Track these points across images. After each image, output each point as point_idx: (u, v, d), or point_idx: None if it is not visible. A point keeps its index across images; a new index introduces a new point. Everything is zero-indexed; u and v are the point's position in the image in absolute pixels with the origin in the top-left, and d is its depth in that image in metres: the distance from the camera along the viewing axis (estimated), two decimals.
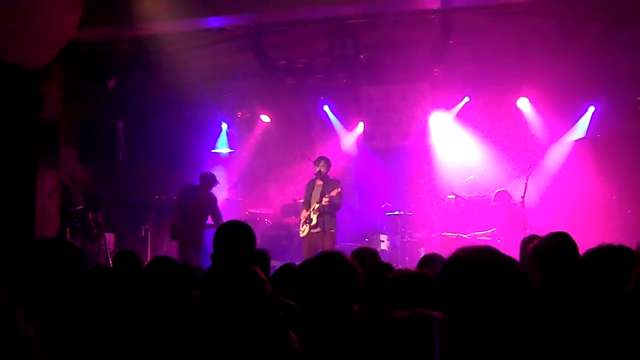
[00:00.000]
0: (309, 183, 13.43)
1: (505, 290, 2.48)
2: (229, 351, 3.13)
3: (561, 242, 4.98)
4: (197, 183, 14.12)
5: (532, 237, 6.39)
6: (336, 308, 3.78)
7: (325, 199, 12.68)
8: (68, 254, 4.12)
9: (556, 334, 3.20)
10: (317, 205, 12.88)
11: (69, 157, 13.23)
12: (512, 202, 13.61)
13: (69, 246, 4.19)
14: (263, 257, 6.79)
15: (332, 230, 12.97)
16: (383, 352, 2.16)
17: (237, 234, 4.94)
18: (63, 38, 10.93)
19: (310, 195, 13.13)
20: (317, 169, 13.06)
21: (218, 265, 4.84)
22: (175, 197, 14.68)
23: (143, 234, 15.07)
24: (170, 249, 15.03)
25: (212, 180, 14.04)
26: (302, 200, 13.72)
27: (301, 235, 13.26)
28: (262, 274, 3.86)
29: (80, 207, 13.28)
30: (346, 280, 3.87)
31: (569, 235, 5.05)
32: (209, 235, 14.31)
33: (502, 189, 14.00)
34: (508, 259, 2.61)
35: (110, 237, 13.92)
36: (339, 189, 12.74)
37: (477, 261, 2.58)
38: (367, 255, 6.99)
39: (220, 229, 5.04)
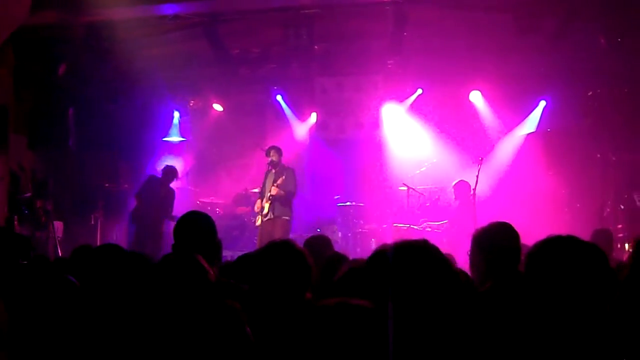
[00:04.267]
0: (265, 173, 13.38)
1: (434, 282, 2.51)
2: (169, 340, 3.11)
3: (502, 230, 4.99)
4: (160, 175, 14.34)
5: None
6: (287, 297, 3.78)
7: (273, 189, 12.65)
8: (14, 242, 4.07)
9: (495, 325, 3.23)
10: (268, 194, 12.86)
11: (18, 144, 13.05)
12: (469, 193, 13.63)
13: (15, 234, 4.13)
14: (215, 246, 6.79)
15: (286, 218, 12.89)
16: (309, 337, 2.18)
17: (199, 225, 4.96)
18: (13, 23, 10.78)
19: (265, 185, 13.08)
20: (269, 158, 13.02)
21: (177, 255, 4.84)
22: (125, 185, 14.79)
23: (93, 222, 14.92)
24: (120, 237, 14.93)
25: (173, 175, 14.30)
26: (256, 190, 13.69)
27: (256, 224, 13.24)
28: (205, 263, 3.84)
29: (28, 194, 13.11)
30: (296, 268, 3.88)
31: (509, 224, 5.06)
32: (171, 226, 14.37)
33: (462, 179, 13.92)
34: (436, 250, 2.64)
35: (59, 225, 13.74)
36: (284, 177, 12.69)
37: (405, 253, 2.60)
38: (320, 244, 7.03)
39: (181, 219, 5.06)
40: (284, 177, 12.68)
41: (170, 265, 3.85)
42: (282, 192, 12.71)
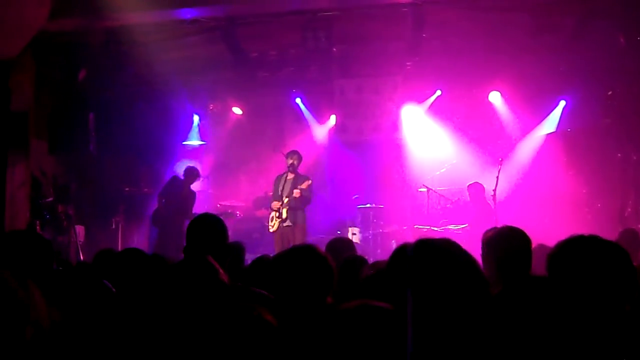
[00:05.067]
0: (278, 177, 13.38)
1: (458, 285, 2.50)
2: (182, 339, 3.13)
3: (512, 235, 4.96)
4: (182, 176, 14.49)
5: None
6: (309, 301, 3.78)
7: (296, 191, 12.65)
8: (37, 246, 4.09)
9: (509, 328, 3.21)
10: (287, 200, 12.85)
11: (39, 149, 13.12)
12: (484, 194, 13.68)
13: (38, 238, 4.16)
14: (238, 249, 6.84)
15: (304, 224, 12.98)
16: (330, 341, 2.19)
17: (209, 227, 4.95)
18: (33, 29, 10.82)
19: (282, 189, 13.05)
20: (290, 162, 13.02)
21: (189, 258, 4.84)
22: (146, 189, 14.89)
23: (114, 227, 14.99)
24: (140, 241, 14.99)
25: (194, 175, 14.49)
26: (271, 194, 13.69)
27: (271, 230, 13.22)
28: (215, 263, 3.85)
29: (50, 199, 13.17)
30: (319, 273, 3.87)
31: (520, 229, 5.03)
32: None
33: (476, 181, 14.02)
34: (464, 253, 2.63)
35: (80, 230, 13.81)
36: (310, 181, 12.73)
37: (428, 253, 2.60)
38: (343, 246, 7.03)
39: (192, 222, 5.06)
40: (309, 182, 12.71)
41: (183, 267, 3.87)
42: (304, 198, 12.74)
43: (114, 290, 4.20)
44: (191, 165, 14.92)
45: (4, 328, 2.05)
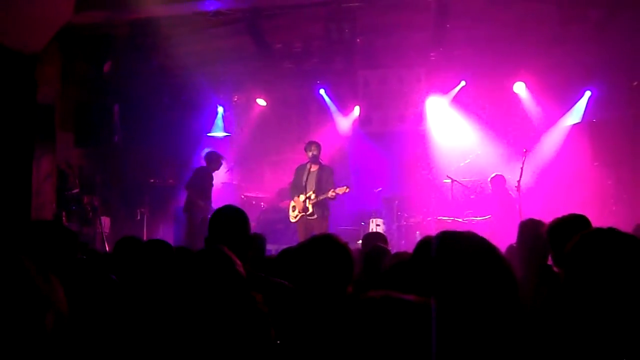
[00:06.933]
0: (300, 167, 13.26)
1: (484, 277, 2.50)
2: (196, 331, 3.14)
3: (578, 222, 4.90)
4: (205, 164, 14.42)
5: (532, 221, 6.23)
6: (329, 290, 3.80)
7: (332, 193, 12.60)
8: (61, 236, 4.13)
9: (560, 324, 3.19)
10: (313, 195, 12.80)
11: (64, 141, 13.20)
12: (507, 186, 13.71)
13: (63, 228, 4.19)
14: (258, 240, 6.87)
15: (327, 215, 13.01)
16: (352, 330, 2.19)
17: (232, 219, 4.94)
18: (59, 22, 10.90)
19: (305, 181, 12.96)
20: (310, 153, 12.92)
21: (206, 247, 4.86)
22: (171, 181, 14.97)
23: (139, 218, 15.08)
24: (166, 232, 15.06)
25: (216, 159, 14.45)
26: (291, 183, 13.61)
27: (292, 220, 13.21)
28: (231, 254, 3.87)
29: (76, 190, 13.25)
30: (338, 262, 3.89)
31: (585, 217, 4.98)
32: None
33: (497, 173, 14.06)
34: (487, 244, 2.62)
35: (106, 221, 13.90)
36: (346, 188, 12.66)
37: (453, 245, 2.60)
38: (375, 240, 7.14)
39: (215, 213, 5.05)
40: (344, 188, 12.67)
41: (197, 258, 3.89)
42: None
43: (117, 281, 4.23)
44: (210, 150, 14.79)
45: (24, 315, 2.06)
